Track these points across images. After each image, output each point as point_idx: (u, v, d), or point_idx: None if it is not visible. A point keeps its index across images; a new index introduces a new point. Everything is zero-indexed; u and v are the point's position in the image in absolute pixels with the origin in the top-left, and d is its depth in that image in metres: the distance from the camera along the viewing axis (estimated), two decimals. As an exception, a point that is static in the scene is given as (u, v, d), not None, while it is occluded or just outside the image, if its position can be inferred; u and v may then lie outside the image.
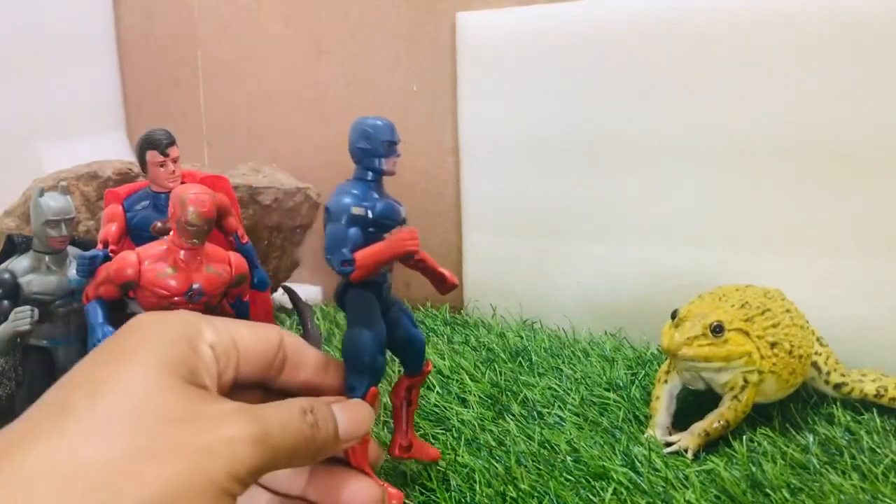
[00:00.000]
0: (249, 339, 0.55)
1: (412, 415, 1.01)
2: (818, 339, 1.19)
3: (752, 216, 1.36)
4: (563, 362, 1.38)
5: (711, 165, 1.38)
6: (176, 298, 0.93)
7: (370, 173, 0.86)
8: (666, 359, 1.17)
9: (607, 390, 1.26)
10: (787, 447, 1.07)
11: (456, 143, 1.68)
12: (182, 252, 0.94)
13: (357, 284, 0.86)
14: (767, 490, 0.96)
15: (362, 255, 0.84)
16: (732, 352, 1.07)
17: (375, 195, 0.86)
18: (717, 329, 1.06)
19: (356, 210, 0.84)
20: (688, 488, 0.97)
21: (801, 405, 1.19)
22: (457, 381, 1.31)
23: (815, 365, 1.17)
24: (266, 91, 2.00)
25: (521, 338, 1.51)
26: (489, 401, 1.24)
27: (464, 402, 1.24)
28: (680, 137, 1.40)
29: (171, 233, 0.95)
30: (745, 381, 1.09)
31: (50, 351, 1.05)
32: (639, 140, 1.44)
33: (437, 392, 1.27)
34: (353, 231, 0.83)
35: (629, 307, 1.49)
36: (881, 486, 0.94)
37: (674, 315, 1.10)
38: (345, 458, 0.65)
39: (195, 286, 0.93)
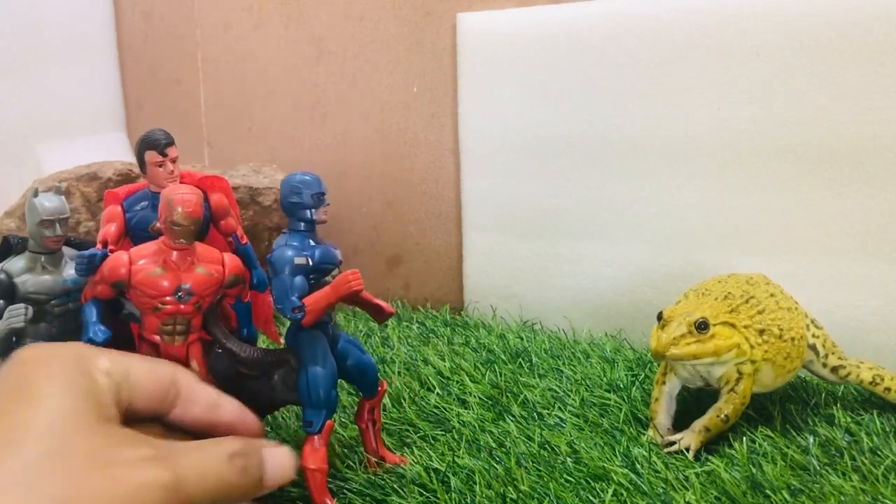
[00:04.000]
0: (142, 373, 0.56)
1: (378, 432, 1.08)
2: (812, 322, 1.18)
3: (753, 216, 1.36)
4: (564, 363, 1.38)
5: (712, 166, 1.38)
6: (167, 298, 0.94)
7: (303, 224, 0.96)
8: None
9: (608, 391, 1.26)
10: (788, 448, 1.06)
11: (456, 144, 1.68)
12: (174, 253, 0.95)
13: (307, 327, 0.95)
14: (767, 491, 0.96)
15: (312, 300, 0.93)
16: (720, 346, 1.06)
17: (312, 243, 0.96)
18: (702, 326, 1.05)
19: (298, 260, 0.93)
20: (688, 489, 0.97)
21: (802, 406, 1.18)
22: (457, 382, 1.31)
23: (812, 347, 1.17)
24: (266, 92, 2.00)
25: (522, 339, 1.51)
26: (489, 402, 1.24)
27: (464, 403, 1.24)
28: (680, 138, 1.40)
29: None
30: (740, 372, 1.09)
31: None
32: (639, 140, 1.44)
33: (437, 393, 1.27)
34: (298, 279, 0.93)
35: (630, 308, 1.49)
36: (881, 488, 0.94)
37: (659, 317, 1.09)
38: None
39: (184, 286, 0.94)
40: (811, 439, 1.08)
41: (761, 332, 1.10)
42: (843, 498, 0.93)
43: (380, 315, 1.00)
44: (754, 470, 1.00)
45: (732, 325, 1.08)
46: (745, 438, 1.08)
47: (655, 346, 1.07)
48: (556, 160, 1.54)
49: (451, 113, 1.68)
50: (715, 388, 1.11)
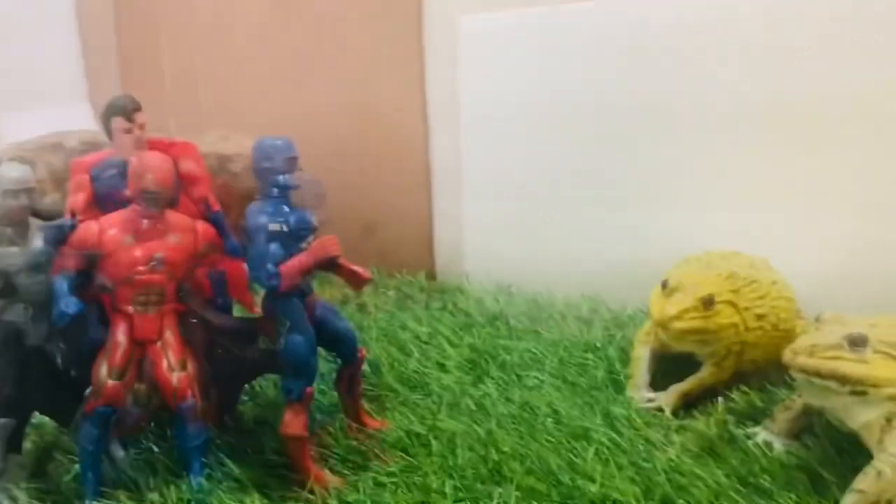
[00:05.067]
0: None
1: (359, 398, 1.07)
2: (797, 312, 1.17)
3: (724, 178, 1.35)
4: (541, 325, 1.38)
5: (688, 131, 1.37)
6: (139, 268, 0.92)
7: (276, 189, 0.94)
8: (646, 320, 1.17)
9: (585, 351, 1.26)
10: (764, 403, 1.08)
11: (425, 108, 1.66)
12: (145, 221, 0.93)
13: (283, 294, 0.93)
14: (748, 446, 0.97)
15: (287, 267, 0.92)
16: (722, 324, 1.07)
17: (286, 209, 0.94)
18: (709, 302, 1.05)
19: (273, 227, 0.92)
20: (669, 445, 0.97)
21: (776, 369, 1.17)
22: (435, 346, 1.31)
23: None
24: (232, 58, 1.96)
25: (499, 302, 1.50)
26: (468, 365, 1.24)
27: (443, 367, 1.24)
28: (660, 103, 1.39)
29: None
30: (729, 350, 1.09)
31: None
32: (620, 107, 1.42)
33: (416, 358, 1.26)
34: (273, 246, 0.92)
35: (606, 271, 1.48)
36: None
37: (665, 284, 1.08)
38: None
39: (157, 255, 0.93)
40: (786, 394, 1.09)
41: (760, 316, 1.09)
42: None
43: (357, 282, 0.99)
44: (732, 427, 1.01)
45: (734, 305, 1.08)
46: (720, 398, 1.09)
47: (660, 317, 1.06)
48: (538, 126, 1.52)
49: (418, 77, 1.66)
50: (699, 358, 1.11)
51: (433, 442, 1.00)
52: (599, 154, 1.47)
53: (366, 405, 1.10)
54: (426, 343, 1.32)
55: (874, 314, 0.93)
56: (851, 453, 0.91)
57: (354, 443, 1.02)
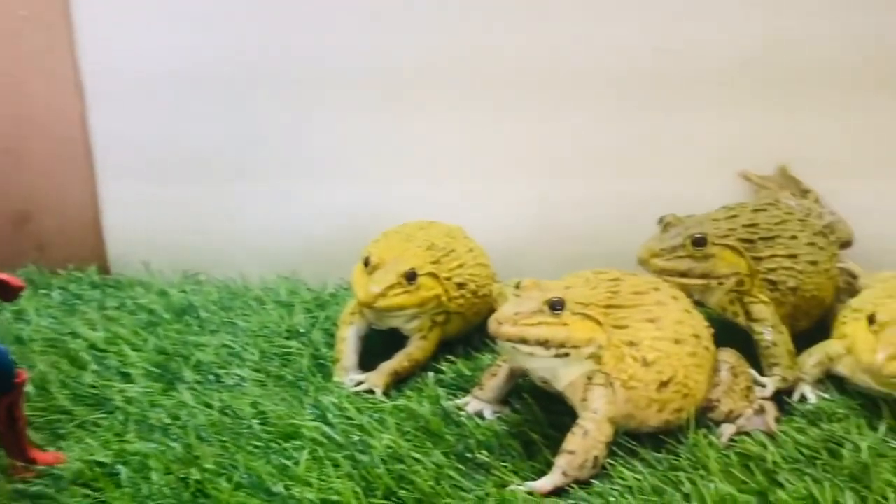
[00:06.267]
0: None
1: (23, 431, 0.89)
2: (493, 276, 1.20)
3: (413, 145, 1.34)
4: (237, 315, 1.27)
5: (373, 97, 1.33)
6: None
7: None
8: (352, 300, 1.11)
9: (288, 339, 1.18)
10: (471, 371, 1.08)
11: (78, 77, 1.44)
12: None
13: None
14: (461, 419, 0.96)
15: None
16: (426, 297, 1.07)
17: None
18: (412, 276, 1.04)
19: None
20: (384, 431, 0.93)
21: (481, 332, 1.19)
22: (115, 353, 1.14)
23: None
24: None
25: (186, 293, 1.36)
26: (157, 371, 1.10)
27: (126, 376, 1.09)
28: (339, 68, 1.32)
29: None
30: (433, 321, 1.09)
31: None
32: (296, 71, 1.34)
33: (93, 370, 1.10)
34: None
35: (301, 248, 1.41)
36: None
37: (367, 262, 1.05)
38: None
39: None
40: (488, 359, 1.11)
41: (460, 285, 1.11)
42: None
43: (6, 292, 0.84)
44: (444, 401, 0.99)
45: (436, 276, 1.08)
46: (431, 372, 1.08)
47: (364, 297, 1.03)
48: (200, 94, 1.39)
49: (67, 42, 1.44)
50: (403, 332, 1.10)
51: (122, 469, 0.87)
52: (266, 122, 1.38)
53: (33, 436, 0.93)
54: (103, 351, 1.15)
55: (567, 276, 0.96)
56: (556, 412, 0.93)
57: (22, 486, 0.86)
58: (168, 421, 0.96)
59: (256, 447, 0.90)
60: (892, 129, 1.16)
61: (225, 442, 0.92)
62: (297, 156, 1.39)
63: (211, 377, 1.08)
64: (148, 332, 1.21)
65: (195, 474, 0.85)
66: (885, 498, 0.74)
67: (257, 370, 1.10)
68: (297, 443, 0.91)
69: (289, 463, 0.87)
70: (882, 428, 0.87)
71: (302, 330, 1.20)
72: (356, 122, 1.35)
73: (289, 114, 1.37)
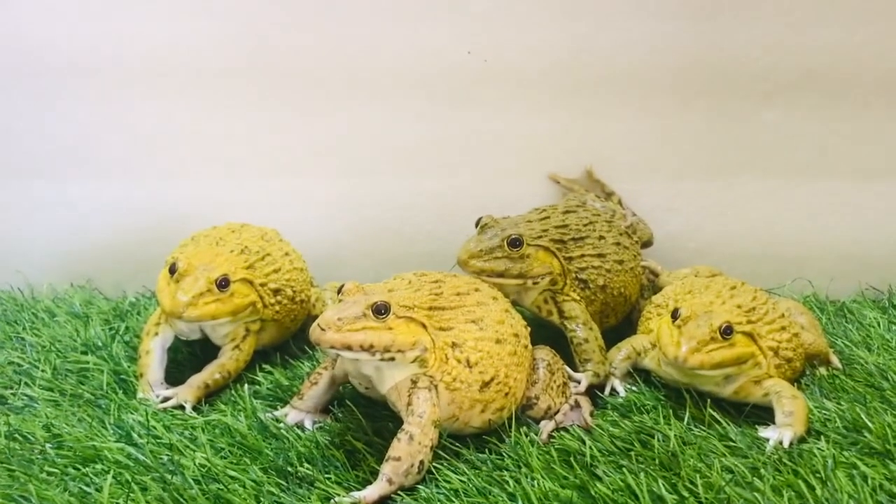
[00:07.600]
0: None
1: None
2: (310, 281, 1.17)
3: (220, 143, 1.27)
4: (24, 328, 1.15)
5: (171, 91, 1.24)
6: None
7: None
8: (156, 309, 1.04)
9: (84, 353, 1.09)
10: (289, 381, 1.04)
11: None
12: None
13: None
14: (281, 431, 0.91)
15: None
16: (240, 305, 1.02)
17: None
18: (224, 283, 0.99)
19: None
20: (197, 449, 0.87)
21: (299, 340, 1.15)
22: None
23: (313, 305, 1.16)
24: None
25: (-40, 307, 1.22)
26: (-81, 397, 0.97)
27: None
28: (135, 61, 1.23)
29: None
30: (248, 330, 1.05)
31: None
32: (83, 62, 1.23)
33: None
34: None
35: (97, 254, 1.29)
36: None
37: (173, 269, 0.98)
38: None
39: None
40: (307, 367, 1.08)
41: (276, 291, 1.07)
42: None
43: None
44: (261, 415, 0.94)
45: (250, 283, 1.03)
46: (246, 385, 1.02)
47: (171, 307, 0.96)
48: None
49: None
50: (214, 342, 1.04)
51: None
52: (51, 116, 1.27)
53: None
54: None
55: (389, 278, 0.94)
56: (379, 417, 0.92)
57: None
58: (-59, 453, 0.85)
59: (51, 474, 0.82)
60: (686, 135, 1.24)
61: (13, 471, 0.82)
62: (86, 153, 1.28)
63: (-6, 400, 0.97)
64: (-90, 352, 1.07)
65: (-23, 511, 0.76)
66: (694, 483, 0.78)
67: (50, 389, 1.00)
68: (99, 467, 0.83)
69: (90, 490, 0.79)
70: (686, 417, 0.92)
71: (100, 343, 1.11)
72: (154, 116, 1.26)
73: (74, 105, 1.25)
